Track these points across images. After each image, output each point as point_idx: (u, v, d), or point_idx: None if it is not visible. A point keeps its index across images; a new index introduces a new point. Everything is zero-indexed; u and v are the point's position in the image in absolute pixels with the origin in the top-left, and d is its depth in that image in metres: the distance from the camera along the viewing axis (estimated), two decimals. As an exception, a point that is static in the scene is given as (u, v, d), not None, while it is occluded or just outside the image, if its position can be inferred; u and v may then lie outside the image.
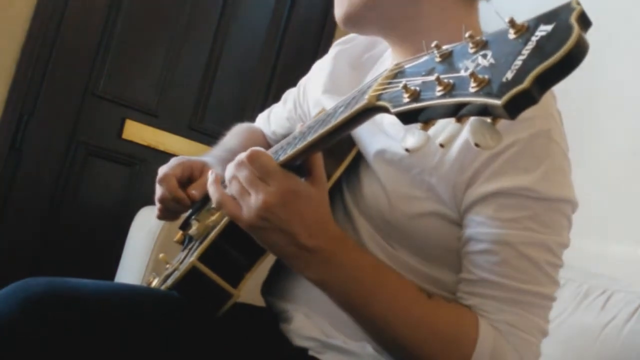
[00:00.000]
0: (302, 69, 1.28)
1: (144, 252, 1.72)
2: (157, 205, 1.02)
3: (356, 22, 0.93)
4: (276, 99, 1.30)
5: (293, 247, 0.77)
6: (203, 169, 1.03)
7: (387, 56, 1.03)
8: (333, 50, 1.11)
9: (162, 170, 1.00)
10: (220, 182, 0.83)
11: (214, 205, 0.83)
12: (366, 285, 0.79)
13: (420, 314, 0.79)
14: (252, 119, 1.34)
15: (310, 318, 0.90)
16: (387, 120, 0.88)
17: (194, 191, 0.99)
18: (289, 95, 1.22)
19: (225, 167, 0.95)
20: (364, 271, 0.80)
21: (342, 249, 0.79)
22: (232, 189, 0.78)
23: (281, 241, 0.77)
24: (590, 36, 0.45)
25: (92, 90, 2.26)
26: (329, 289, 0.80)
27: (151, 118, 2.38)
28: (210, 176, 0.84)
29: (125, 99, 2.32)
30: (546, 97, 0.82)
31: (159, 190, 1.00)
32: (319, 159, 0.79)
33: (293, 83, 1.24)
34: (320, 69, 1.11)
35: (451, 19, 0.90)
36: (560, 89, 0.85)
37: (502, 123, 0.48)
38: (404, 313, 0.79)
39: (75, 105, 2.23)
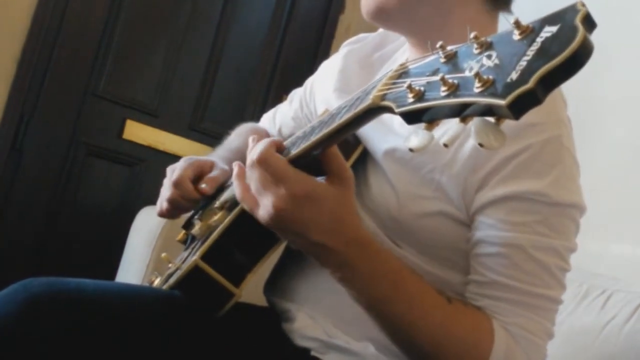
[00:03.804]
0: (302, 68, 1.28)
1: (144, 252, 1.72)
2: (165, 205, 1.00)
3: (386, 18, 0.94)
4: (276, 99, 1.30)
5: (309, 245, 0.77)
6: (212, 167, 1.03)
7: (398, 56, 1.04)
8: (343, 49, 1.11)
9: (176, 172, 0.99)
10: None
11: (237, 198, 0.82)
12: (386, 290, 0.78)
13: (440, 318, 0.79)
14: (252, 118, 1.34)
15: (313, 318, 0.90)
16: (397, 120, 0.88)
17: (204, 185, 0.98)
18: (295, 95, 1.22)
19: (230, 167, 0.94)
20: (385, 277, 0.78)
21: (361, 254, 0.77)
22: (252, 188, 0.78)
23: (297, 240, 0.77)
24: (592, 36, 0.46)
25: (92, 90, 2.26)
26: (348, 288, 0.79)
27: (151, 118, 2.38)
28: (235, 168, 0.82)
29: (125, 99, 2.32)
30: (557, 103, 0.83)
31: (170, 192, 0.99)
32: (337, 154, 0.77)
33: (293, 83, 1.24)
34: (329, 68, 1.10)
35: (474, 29, 0.90)
36: (561, 88, 0.85)
37: (514, 128, 0.48)
38: (424, 318, 0.79)
39: (75, 105, 2.23)
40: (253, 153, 0.76)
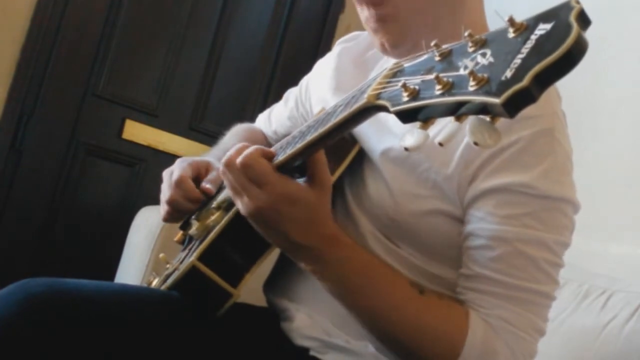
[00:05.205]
0: (302, 68, 1.28)
1: (144, 252, 1.72)
2: (165, 207, 1.01)
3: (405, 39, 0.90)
4: (276, 99, 1.29)
5: (286, 243, 0.80)
6: (208, 167, 1.03)
7: None
8: (336, 48, 1.10)
9: (175, 173, 1.00)
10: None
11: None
12: (357, 282, 0.81)
13: (412, 310, 0.80)
14: (252, 119, 1.33)
15: (312, 317, 0.90)
16: (393, 119, 0.88)
17: (209, 185, 0.98)
18: (291, 94, 1.22)
19: None
20: (355, 269, 0.81)
21: (333, 248, 0.80)
22: (231, 186, 0.80)
23: (275, 237, 0.80)
24: (589, 35, 0.45)
25: (92, 90, 2.26)
26: (323, 282, 0.83)
27: (151, 118, 2.38)
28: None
29: (125, 99, 2.32)
30: (551, 97, 0.83)
31: (169, 193, 0.99)
32: (322, 161, 0.78)
33: (293, 83, 1.23)
34: (324, 67, 1.10)
35: (473, 16, 0.92)
36: (560, 89, 0.85)
37: (506, 120, 0.48)
38: (396, 309, 0.80)
39: (75, 105, 2.23)
40: (235, 156, 0.78)
